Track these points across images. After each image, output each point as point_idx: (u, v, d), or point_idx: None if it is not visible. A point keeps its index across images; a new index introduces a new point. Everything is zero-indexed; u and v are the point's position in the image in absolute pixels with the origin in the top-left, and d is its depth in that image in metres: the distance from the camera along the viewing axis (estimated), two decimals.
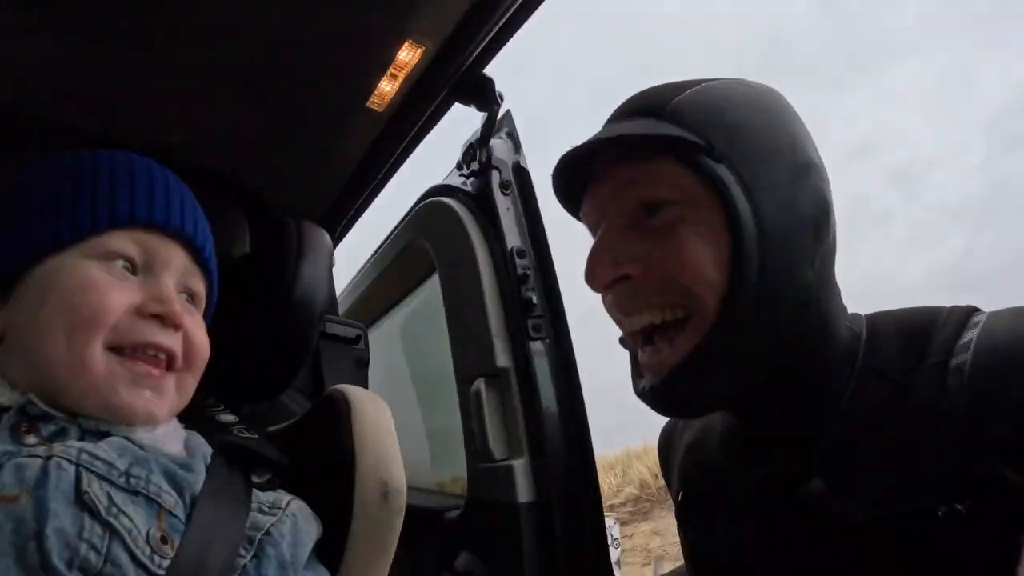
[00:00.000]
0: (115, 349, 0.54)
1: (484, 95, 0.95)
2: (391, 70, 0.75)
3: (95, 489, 0.49)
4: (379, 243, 1.37)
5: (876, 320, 0.58)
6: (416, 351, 1.50)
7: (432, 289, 1.18)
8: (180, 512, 0.53)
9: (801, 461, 0.55)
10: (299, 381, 0.97)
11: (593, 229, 0.59)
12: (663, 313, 0.54)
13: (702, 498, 0.68)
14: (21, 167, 0.62)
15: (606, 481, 10.50)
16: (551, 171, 0.60)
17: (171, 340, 0.57)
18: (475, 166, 1.01)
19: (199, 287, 0.64)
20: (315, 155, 0.96)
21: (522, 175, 0.99)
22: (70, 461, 0.49)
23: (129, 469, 0.52)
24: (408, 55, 0.74)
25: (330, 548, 0.63)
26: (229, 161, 1.01)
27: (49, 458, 0.49)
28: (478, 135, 1.00)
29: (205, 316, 0.66)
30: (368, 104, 0.79)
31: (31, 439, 0.51)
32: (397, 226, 1.24)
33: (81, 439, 0.53)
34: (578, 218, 0.63)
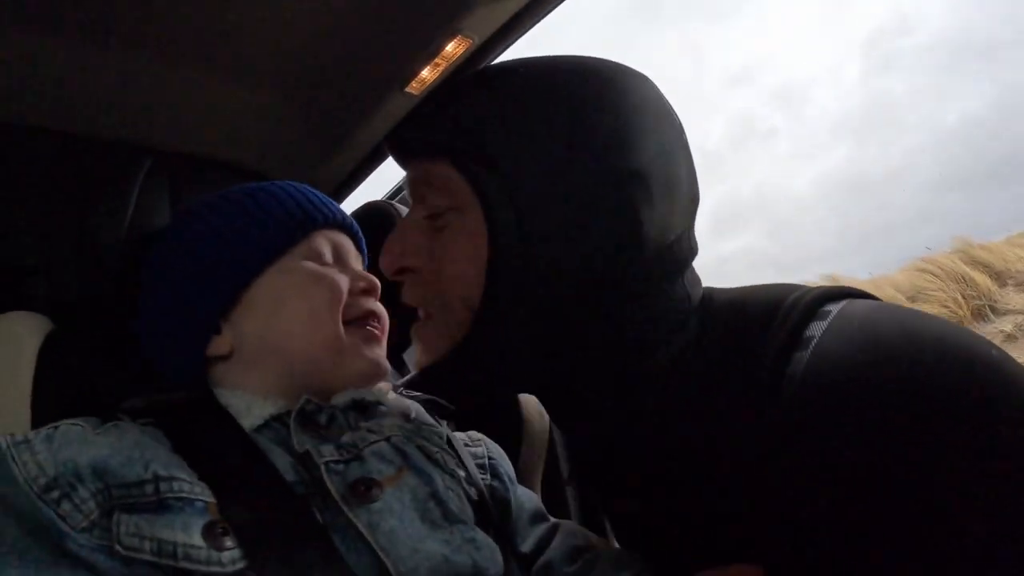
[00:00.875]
0: (347, 323, 0.62)
1: None
2: (436, 60, 0.78)
3: (433, 448, 0.60)
4: None
5: (712, 302, 0.52)
6: None
7: None
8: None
9: (619, 480, 0.53)
10: None
11: None
12: (429, 311, 0.55)
13: None
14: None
15: None
16: None
17: (379, 307, 0.67)
18: None
19: (358, 267, 0.72)
20: (341, 134, 0.98)
21: None
22: (399, 435, 0.59)
23: (419, 428, 0.62)
24: (455, 47, 0.77)
25: None
26: (255, 151, 1.03)
27: (388, 438, 0.58)
28: None
29: None
30: (407, 88, 0.82)
31: (315, 434, 0.56)
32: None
33: (346, 418, 0.60)
34: None
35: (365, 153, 0.97)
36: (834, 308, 0.44)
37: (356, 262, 0.71)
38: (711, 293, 0.54)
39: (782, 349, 0.43)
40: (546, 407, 0.62)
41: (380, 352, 0.64)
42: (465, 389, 0.56)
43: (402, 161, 0.58)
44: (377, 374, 0.63)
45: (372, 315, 0.65)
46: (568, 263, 0.46)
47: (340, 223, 0.69)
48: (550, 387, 0.54)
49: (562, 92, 0.47)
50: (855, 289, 0.48)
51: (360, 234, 0.73)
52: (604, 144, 0.46)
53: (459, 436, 0.70)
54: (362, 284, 0.65)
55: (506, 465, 0.70)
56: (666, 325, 0.50)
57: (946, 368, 0.37)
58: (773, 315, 0.45)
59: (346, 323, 0.62)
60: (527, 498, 0.70)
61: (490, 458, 0.69)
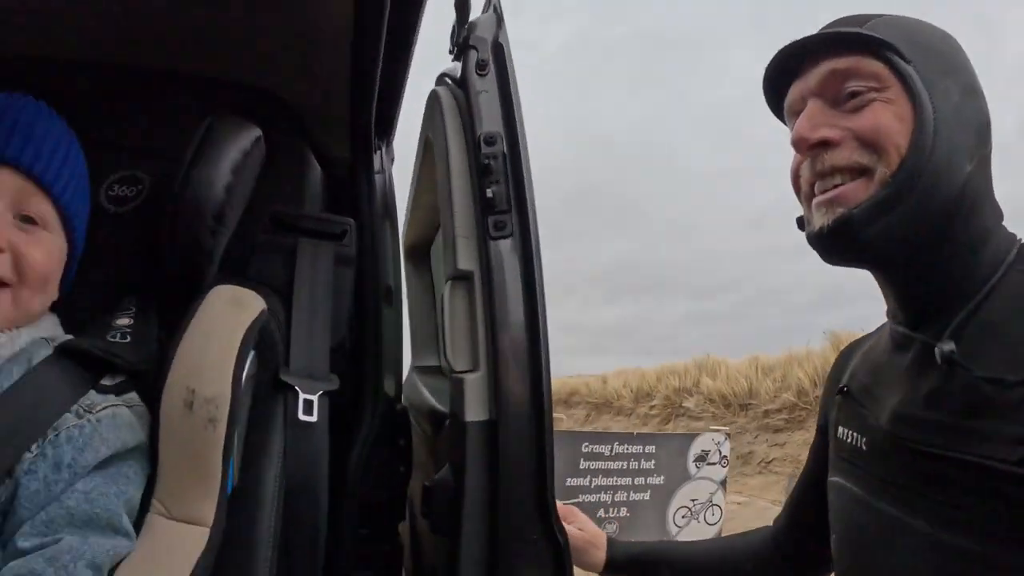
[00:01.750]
0: None
1: None
2: None
3: None
4: None
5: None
6: None
7: None
8: None
9: (939, 327, 0.65)
10: (274, 279, 0.97)
11: (795, 112, 0.70)
12: (851, 174, 0.65)
13: (859, 389, 0.78)
14: None
15: (763, 385, 9.76)
16: (766, 67, 0.72)
17: None
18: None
19: (41, 208, 0.66)
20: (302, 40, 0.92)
21: (499, 52, 0.85)
22: None
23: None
24: None
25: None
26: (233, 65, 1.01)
27: None
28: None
29: (75, 234, 0.71)
30: None
31: None
32: None
33: None
34: (774, 109, 0.76)
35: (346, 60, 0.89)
36: None
37: (13, 199, 0.64)
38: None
39: None
40: (892, 282, 0.71)
41: None
42: (877, 230, 0.64)
43: (834, 52, 0.68)
44: None
45: None
46: (952, 141, 0.63)
47: None
48: (919, 250, 0.66)
49: (938, 33, 0.69)
50: None
51: (45, 171, 0.66)
52: (964, 68, 0.68)
53: (91, 400, 0.63)
54: None
55: (78, 453, 0.59)
56: (995, 221, 0.68)
57: None
58: None
59: None
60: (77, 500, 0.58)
61: (56, 434, 0.59)
